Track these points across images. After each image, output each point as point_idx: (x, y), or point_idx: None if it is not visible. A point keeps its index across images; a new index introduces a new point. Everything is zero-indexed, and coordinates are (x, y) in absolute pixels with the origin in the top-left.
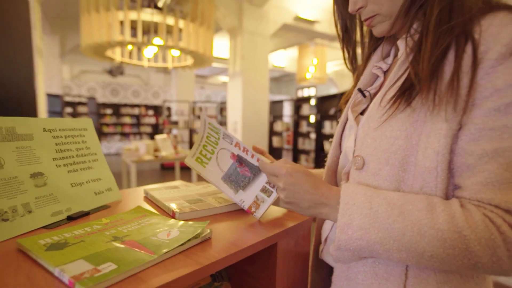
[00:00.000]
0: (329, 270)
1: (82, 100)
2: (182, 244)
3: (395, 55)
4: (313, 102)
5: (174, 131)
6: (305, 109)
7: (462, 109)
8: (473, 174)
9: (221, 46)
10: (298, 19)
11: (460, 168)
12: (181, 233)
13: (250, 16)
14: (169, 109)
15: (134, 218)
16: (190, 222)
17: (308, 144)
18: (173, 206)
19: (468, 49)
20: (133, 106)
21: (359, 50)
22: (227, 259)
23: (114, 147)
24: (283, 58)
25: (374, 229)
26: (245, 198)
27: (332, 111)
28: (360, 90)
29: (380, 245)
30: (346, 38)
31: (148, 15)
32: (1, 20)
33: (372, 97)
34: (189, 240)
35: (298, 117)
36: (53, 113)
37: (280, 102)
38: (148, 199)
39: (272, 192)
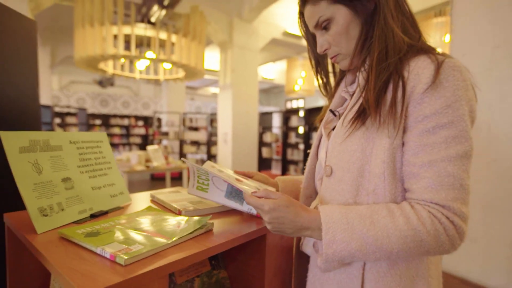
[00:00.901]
0: (308, 259)
1: (71, 111)
2: (191, 233)
3: (358, 83)
4: (301, 113)
5: (165, 142)
6: (293, 121)
7: (398, 128)
8: (417, 180)
9: (211, 58)
10: (286, 34)
11: (408, 176)
12: (188, 225)
13: (240, 31)
14: (159, 120)
15: (148, 215)
16: (195, 217)
17: (296, 155)
18: (179, 205)
19: (400, 83)
20: (122, 116)
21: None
22: (225, 244)
23: None
24: (272, 71)
25: (353, 240)
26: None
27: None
28: (331, 111)
29: (360, 251)
30: (319, 70)
31: (142, 29)
32: (10, 38)
33: (341, 116)
34: (196, 229)
35: (287, 128)
36: (42, 124)
37: (270, 113)
38: (155, 201)
39: None
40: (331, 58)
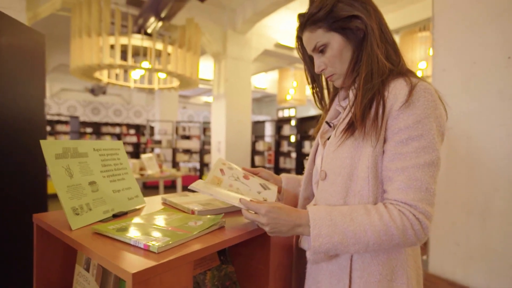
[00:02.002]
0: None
1: (62, 119)
2: (208, 228)
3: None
4: (293, 123)
5: (157, 150)
6: (286, 130)
7: (378, 139)
8: (392, 183)
9: (204, 68)
10: (278, 45)
11: (385, 179)
12: (204, 222)
13: (234, 42)
14: (152, 128)
15: (165, 214)
16: (208, 216)
17: (289, 163)
18: (191, 206)
19: (381, 101)
20: (114, 125)
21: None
22: (237, 238)
23: None
24: (265, 80)
25: (336, 234)
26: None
27: (311, 132)
28: (327, 122)
29: (341, 244)
30: (315, 86)
31: (138, 40)
32: (20, 51)
33: (335, 127)
34: (212, 225)
35: (279, 137)
36: None
37: (262, 122)
38: (166, 204)
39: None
40: (327, 77)
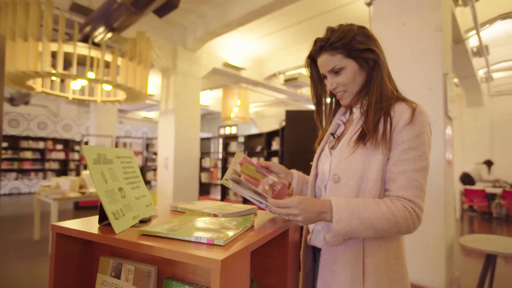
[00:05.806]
0: (313, 252)
1: None
2: (246, 225)
3: (350, 114)
4: (241, 139)
5: None
6: (233, 146)
7: (387, 148)
8: (394, 182)
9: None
10: (227, 65)
11: (388, 180)
12: (239, 222)
13: (184, 59)
14: (86, 143)
15: (193, 218)
16: (222, 219)
17: None
18: (210, 211)
19: (389, 119)
20: (37, 139)
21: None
22: (271, 234)
23: (7, 186)
24: (208, 98)
25: (353, 219)
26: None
27: (258, 149)
28: (331, 134)
29: (357, 228)
30: (317, 108)
31: (85, 49)
32: None
33: (338, 138)
34: (248, 223)
35: (227, 153)
36: None
37: (208, 139)
38: (178, 211)
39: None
40: (337, 94)
